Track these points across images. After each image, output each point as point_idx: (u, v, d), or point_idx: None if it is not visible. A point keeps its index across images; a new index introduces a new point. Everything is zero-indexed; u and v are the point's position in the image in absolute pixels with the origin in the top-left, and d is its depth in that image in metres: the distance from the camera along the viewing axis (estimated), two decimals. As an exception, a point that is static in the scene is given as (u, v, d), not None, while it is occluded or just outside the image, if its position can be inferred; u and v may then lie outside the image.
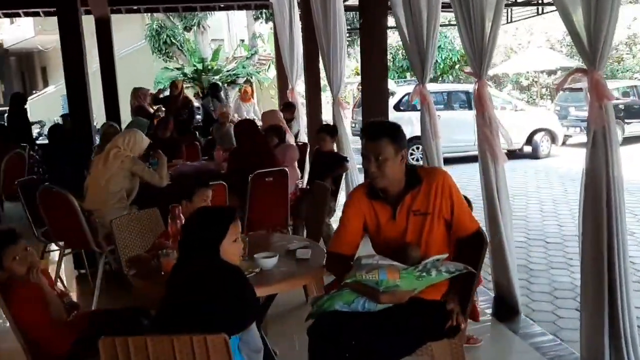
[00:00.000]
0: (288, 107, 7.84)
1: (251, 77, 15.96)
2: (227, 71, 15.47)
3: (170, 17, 15.93)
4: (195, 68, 14.85)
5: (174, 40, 15.48)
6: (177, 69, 15.08)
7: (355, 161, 5.80)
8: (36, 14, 11.26)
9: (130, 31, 17.13)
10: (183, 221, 2.68)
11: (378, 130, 2.41)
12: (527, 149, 11.82)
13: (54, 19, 9.69)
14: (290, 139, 5.82)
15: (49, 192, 4.17)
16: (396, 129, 2.43)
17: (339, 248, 2.53)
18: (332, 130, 5.26)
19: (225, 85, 14.61)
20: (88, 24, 9.56)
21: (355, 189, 2.60)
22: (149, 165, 4.72)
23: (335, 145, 5.41)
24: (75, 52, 7.60)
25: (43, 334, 2.39)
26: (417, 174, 2.47)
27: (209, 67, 14.88)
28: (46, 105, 16.06)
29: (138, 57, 16.81)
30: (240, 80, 15.49)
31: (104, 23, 10.48)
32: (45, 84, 22.99)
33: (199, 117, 10.17)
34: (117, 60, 17.47)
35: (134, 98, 7.81)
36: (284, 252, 2.71)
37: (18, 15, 11.19)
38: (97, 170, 4.31)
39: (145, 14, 14.83)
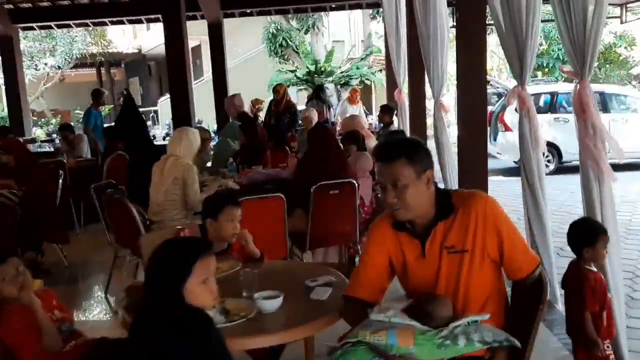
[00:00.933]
0: (386, 110, 7.34)
1: (365, 79, 15.60)
2: (342, 72, 15.24)
3: (288, 19, 16.06)
4: (308, 70, 14.78)
5: (289, 43, 15.56)
6: (290, 71, 15.11)
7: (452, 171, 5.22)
8: (139, 22, 11.79)
9: (252, 35, 17.58)
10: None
11: (391, 150, 1.93)
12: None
13: (190, 24, 10.07)
14: (372, 145, 5.35)
15: (111, 199, 4.11)
16: (414, 146, 1.94)
17: (358, 291, 2.06)
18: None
19: (339, 87, 14.41)
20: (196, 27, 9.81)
21: (379, 218, 2.11)
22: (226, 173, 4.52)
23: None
24: (178, 58, 7.77)
25: (30, 362, 2.18)
26: (450, 200, 1.95)
27: (322, 69, 14.74)
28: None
29: (257, 60, 17.19)
30: (354, 82, 15.18)
31: (217, 27, 10.68)
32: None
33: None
34: (239, 63, 18.12)
35: (230, 105, 7.79)
36: (302, 289, 2.28)
37: (122, 22, 11.77)
38: (156, 179, 4.19)
39: (266, 17, 15.10)
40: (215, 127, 10.60)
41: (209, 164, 6.24)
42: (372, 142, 5.66)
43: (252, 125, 6.06)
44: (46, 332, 2.21)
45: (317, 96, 9.71)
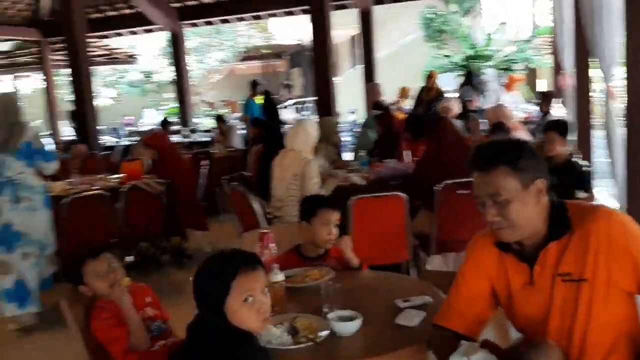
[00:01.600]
0: (543, 97, 6.58)
1: (530, 63, 14.32)
2: (503, 57, 14.16)
3: (446, 2, 15.34)
4: (465, 55, 13.96)
5: (446, 27, 14.82)
6: (445, 56, 14.39)
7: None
8: (290, 14, 11.95)
9: (407, 22, 17.14)
10: (271, 250, 2.20)
11: (489, 156, 1.56)
12: None
13: (344, 15, 10.12)
14: (522, 136, 4.76)
15: (235, 191, 4.15)
16: (518, 150, 1.56)
17: (450, 321, 1.72)
18: (562, 128, 4.04)
19: (502, 72, 13.44)
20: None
21: (480, 234, 1.75)
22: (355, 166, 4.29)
23: (568, 148, 4.17)
24: (321, 48, 7.74)
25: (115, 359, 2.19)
26: (566, 215, 1.55)
27: (480, 54, 13.81)
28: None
29: (413, 48, 16.69)
30: (517, 67, 14.02)
31: (366, 15, 10.53)
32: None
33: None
34: (394, 52, 17.79)
35: (370, 93, 7.59)
36: (390, 309, 1.99)
37: (274, 15, 12.05)
38: (276, 173, 4.12)
39: (421, 1, 14.58)
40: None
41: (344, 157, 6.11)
42: (521, 134, 5.06)
43: (386, 115, 5.76)
44: (133, 329, 2.19)
45: (469, 82, 9.11)
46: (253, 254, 1.57)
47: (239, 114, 13.19)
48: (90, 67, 8.94)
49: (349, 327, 1.80)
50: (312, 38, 7.88)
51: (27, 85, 18.28)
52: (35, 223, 4.28)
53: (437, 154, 3.84)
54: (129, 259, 5.12)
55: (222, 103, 22.74)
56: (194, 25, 12.91)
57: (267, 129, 5.22)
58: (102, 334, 2.20)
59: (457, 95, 9.90)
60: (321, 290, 2.00)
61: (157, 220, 5.11)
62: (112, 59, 15.01)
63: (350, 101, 14.08)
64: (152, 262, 5.45)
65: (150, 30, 12.74)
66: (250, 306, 1.50)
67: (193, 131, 10.90)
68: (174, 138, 10.71)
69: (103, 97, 24.63)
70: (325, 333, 1.77)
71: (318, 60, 7.89)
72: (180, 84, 11.68)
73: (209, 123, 19.01)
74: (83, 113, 8.87)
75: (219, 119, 9.18)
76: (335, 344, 1.76)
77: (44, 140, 4.63)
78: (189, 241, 5.71)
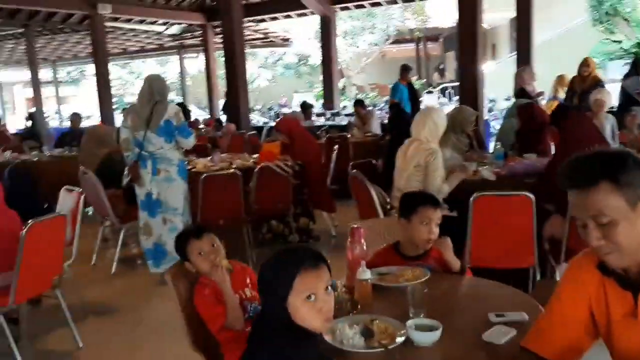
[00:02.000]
0: None
1: None
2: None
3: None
4: (638, 42, 12.45)
5: (618, 10, 13.33)
6: (615, 41, 12.95)
7: None
8: None
9: (574, 4, 15.73)
10: (362, 246, 2.14)
11: (586, 171, 1.34)
12: None
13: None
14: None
15: (354, 178, 4.13)
16: (621, 161, 1.33)
17: (540, 346, 1.53)
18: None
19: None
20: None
21: (583, 253, 1.53)
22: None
23: None
24: (467, 31, 7.39)
25: (214, 337, 2.29)
26: None
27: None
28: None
29: (579, 32, 15.28)
30: None
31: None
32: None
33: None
34: (559, 35, 16.40)
35: (518, 79, 7.04)
36: (481, 321, 1.83)
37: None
38: (399, 163, 4.01)
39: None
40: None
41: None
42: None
43: (528, 105, 5.33)
44: (230, 310, 2.27)
45: (636, 72, 8.10)
46: (317, 252, 1.53)
47: (387, 98, 13.15)
48: (250, 50, 9.45)
49: (426, 337, 1.69)
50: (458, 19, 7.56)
51: (194, 66, 19.89)
52: (172, 193, 4.75)
53: (563, 153, 3.46)
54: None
55: (371, 86, 22.87)
56: (346, 8, 13.03)
57: (398, 115, 5.10)
58: (203, 309, 2.31)
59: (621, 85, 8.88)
60: (408, 293, 1.90)
61: (286, 200, 5.28)
62: (269, 42, 15.75)
63: (505, 89, 13.35)
64: (281, 240, 5.66)
65: (303, 14, 13.11)
66: (312, 305, 1.47)
67: (337, 115, 11.08)
68: (319, 121, 11.02)
69: (261, 78, 26.10)
70: (400, 340, 1.68)
71: (462, 42, 7.56)
72: (328, 67, 11.88)
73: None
74: (235, 93, 9.44)
75: (358, 103, 9.20)
76: (408, 353, 1.66)
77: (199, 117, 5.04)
78: (316, 223, 5.83)
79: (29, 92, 27.22)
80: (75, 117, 8.87)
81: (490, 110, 11.84)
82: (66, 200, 4.26)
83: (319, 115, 11.38)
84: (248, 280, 2.49)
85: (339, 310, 1.95)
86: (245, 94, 9.56)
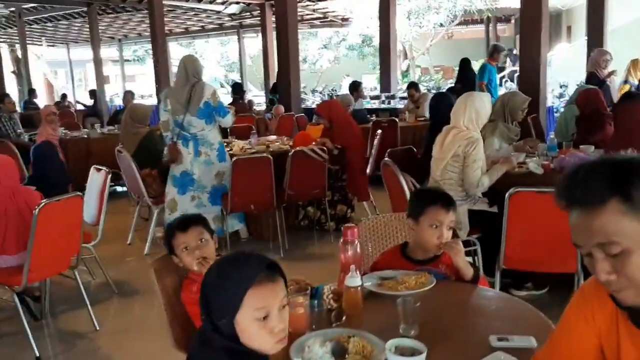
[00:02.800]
0: None
1: None
2: None
3: None
4: None
5: None
6: None
7: None
8: None
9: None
10: (355, 247, 1.89)
11: (592, 185, 1.04)
12: None
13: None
14: None
15: (385, 166, 3.88)
16: (635, 171, 1.02)
17: None
18: None
19: None
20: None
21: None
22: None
23: None
24: (532, 10, 6.84)
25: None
26: None
27: None
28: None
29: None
30: None
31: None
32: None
33: None
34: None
35: (591, 62, 6.47)
36: (479, 344, 1.56)
37: None
38: (435, 152, 3.72)
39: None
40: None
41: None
42: None
43: (589, 91, 4.83)
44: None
45: None
46: (273, 261, 1.31)
47: (452, 81, 12.61)
48: (311, 30, 9.20)
49: (408, 366, 1.44)
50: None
51: (255, 46, 19.84)
52: (209, 174, 4.80)
53: (613, 145, 3.05)
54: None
55: (435, 69, 22.11)
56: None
57: (439, 100, 4.73)
58: (190, 306, 2.16)
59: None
60: (397, 306, 1.65)
61: (321, 186, 5.07)
62: (328, 22, 15.45)
63: (580, 73, 12.54)
64: (317, 228, 5.47)
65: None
66: (263, 324, 1.26)
67: (392, 97, 10.70)
68: (373, 104, 10.68)
69: (324, 59, 25.81)
70: (375, 364, 1.44)
71: (524, 24, 7.02)
72: (386, 47, 11.42)
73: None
74: (286, 74, 9.25)
75: (411, 85, 8.79)
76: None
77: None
78: (355, 211, 5.60)
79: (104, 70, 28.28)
80: (128, 95, 8.97)
81: (560, 97, 11.10)
82: (94, 179, 4.24)
83: (373, 98, 11.03)
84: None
85: (320, 320, 1.74)
86: (297, 74, 9.36)
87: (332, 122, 5.31)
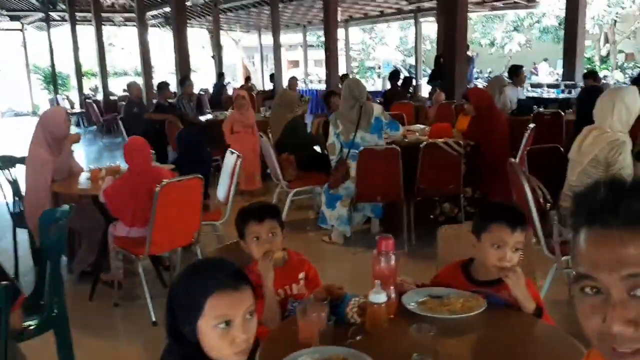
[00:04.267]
0: None
1: None
2: None
3: None
4: None
5: None
6: None
7: None
8: None
9: None
10: (390, 260, 1.72)
11: (622, 204, 0.75)
12: None
13: None
14: None
15: (511, 168, 3.52)
16: None
17: None
18: None
19: None
20: None
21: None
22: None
23: None
24: None
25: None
26: None
27: None
28: None
29: None
30: None
31: None
32: None
33: None
34: None
35: None
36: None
37: None
38: (572, 154, 3.27)
39: None
40: None
41: None
42: None
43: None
44: (267, 306, 2.08)
45: None
46: (239, 269, 1.24)
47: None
48: (496, 12, 8.63)
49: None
50: None
51: (435, 29, 19.31)
52: None
53: None
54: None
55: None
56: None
57: (592, 91, 4.08)
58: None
59: None
60: (412, 331, 1.47)
61: (456, 182, 4.76)
62: (512, 3, 14.43)
63: None
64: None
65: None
66: (224, 333, 1.21)
67: (573, 87, 9.64)
68: (548, 93, 9.76)
69: (513, 42, 24.24)
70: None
71: None
72: (572, 28, 10.26)
73: (619, 77, 16.57)
74: (451, 59, 8.85)
75: (589, 74, 7.79)
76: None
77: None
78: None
79: (291, 55, 29.83)
80: (292, 80, 9.33)
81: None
82: (228, 161, 4.49)
83: (550, 86, 10.05)
84: (301, 275, 2.26)
85: (337, 335, 1.62)
86: (462, 60, 8.90)
87: (477, 110, 4.96)
